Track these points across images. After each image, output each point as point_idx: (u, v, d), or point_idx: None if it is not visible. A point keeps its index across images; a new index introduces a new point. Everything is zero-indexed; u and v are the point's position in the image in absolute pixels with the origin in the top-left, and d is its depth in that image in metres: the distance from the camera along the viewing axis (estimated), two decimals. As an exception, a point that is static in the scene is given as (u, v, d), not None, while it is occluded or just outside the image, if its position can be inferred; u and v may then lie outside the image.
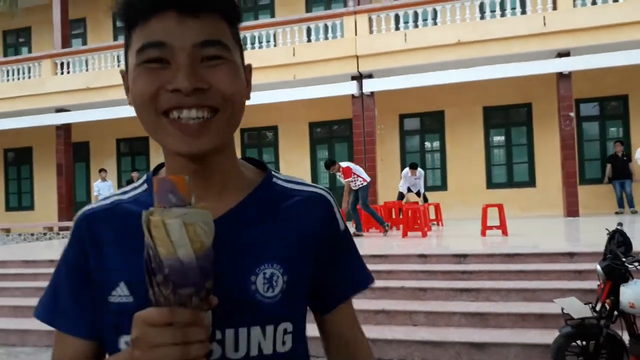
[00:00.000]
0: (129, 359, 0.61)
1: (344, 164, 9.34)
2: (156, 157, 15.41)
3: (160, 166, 0.87)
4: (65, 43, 14.77)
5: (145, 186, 0.82)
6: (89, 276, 0.77)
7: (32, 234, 13.96)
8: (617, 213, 11.33)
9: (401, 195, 10.70)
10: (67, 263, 0.80)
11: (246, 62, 0.81)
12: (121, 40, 15.23)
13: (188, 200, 0.60)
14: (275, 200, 0.81)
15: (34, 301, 6.22)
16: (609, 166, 11.56)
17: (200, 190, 0.74)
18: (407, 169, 10.59)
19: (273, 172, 0.85)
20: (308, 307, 0.84)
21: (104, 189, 13.12)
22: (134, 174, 13.24)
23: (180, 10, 0.69)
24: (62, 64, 14.38)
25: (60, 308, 0.80)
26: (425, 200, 10.58)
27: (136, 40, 0.71)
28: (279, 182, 0.84)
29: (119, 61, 13.87)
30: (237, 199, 0.79)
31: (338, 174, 9.51)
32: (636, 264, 3.51)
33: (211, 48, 0.70)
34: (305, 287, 0.80)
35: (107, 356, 0.78)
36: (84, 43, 16.46)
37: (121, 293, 0.73)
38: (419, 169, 10.71)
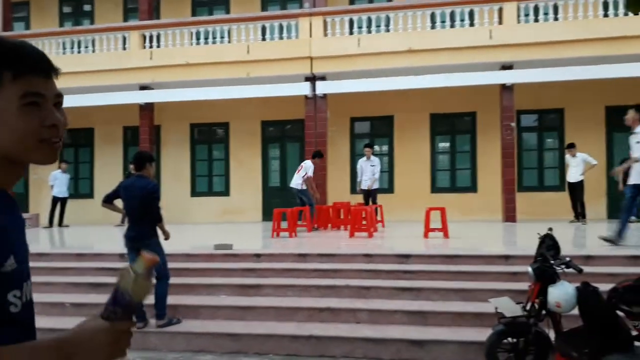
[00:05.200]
0: (93, 347, 0.96)
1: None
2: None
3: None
4: (7, 26, 14.07)
5: None
6: None
7: None
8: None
9: (366, 196, 10.84)
10: None
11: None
12: (67, 27, 14.68)
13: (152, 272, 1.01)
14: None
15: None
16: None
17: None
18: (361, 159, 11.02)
19: None
20: None
21: (61, 180, 12.78)
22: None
23: (50, 76, 1.03)
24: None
25: None
26: (374, 201, 10.77)
27: (18, 84, 0.98)
28: None
29: (64, 48, 13.35)
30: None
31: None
32: (563, 266, 3.76)
33: (58, 98, 1.04)
34: None
35: None
36: (27, 27, 15.71)
37: (11, 262, 0.97)
38: (377, 157, 11.09)
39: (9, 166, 1.03)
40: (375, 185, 10.84)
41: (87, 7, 15.70)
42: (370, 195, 10.84)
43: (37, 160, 1.03)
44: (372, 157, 10.91)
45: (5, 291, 0.98)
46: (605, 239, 6.87)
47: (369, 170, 10.79)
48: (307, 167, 10.19)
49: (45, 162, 1.04)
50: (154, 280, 5.18)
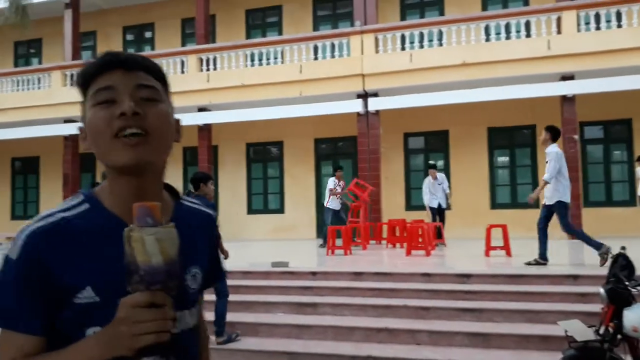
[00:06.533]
0: (113, 333, 0.81)
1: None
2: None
3: (94, 184, 1.04)
4: (76, 55, 14.98)
5: (86, 205, 0.98)
6: (46, 284, 0.89)
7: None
8: None
9: (434, 213, 10.65)
10: (18, 274, 0.89)
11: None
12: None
13: (160, 222, 0.81)
14: (189, 215, 1.08)
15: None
16: None
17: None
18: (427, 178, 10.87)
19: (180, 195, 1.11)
20: None
21: None
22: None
23: (125, 69, 0.97)
24: (72, 75, 14.55)
25: (12, 312, 0.89)
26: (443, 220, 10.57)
27: (91, 89, 0.97)
28: (185, 202, 1.10)
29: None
30: (168, 212, 1.01)
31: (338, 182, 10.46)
32: (639, 287, 3.53)
33: (145, 90, 0.96)
34: None
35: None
36: (94, 55, 16.64)
37: (87, 295, 0.89)
38: (441, 173, 10.94)
39: (118, 177, 0.96)
40: (445, 204, 10.70)
41: (148, 34, 16.51)
42: (439, 213, 10.68)
43: (115, 162, 0.93)
44: (438, 176, 10.73)
45: (81, 326, 0.89)
46: (530, 263, 6.82)
47: (439, 190, 10.64)
48: (329, 184, 10.53)
49: (122, 163, 0.92)
50: (212, 297, 5.30)
